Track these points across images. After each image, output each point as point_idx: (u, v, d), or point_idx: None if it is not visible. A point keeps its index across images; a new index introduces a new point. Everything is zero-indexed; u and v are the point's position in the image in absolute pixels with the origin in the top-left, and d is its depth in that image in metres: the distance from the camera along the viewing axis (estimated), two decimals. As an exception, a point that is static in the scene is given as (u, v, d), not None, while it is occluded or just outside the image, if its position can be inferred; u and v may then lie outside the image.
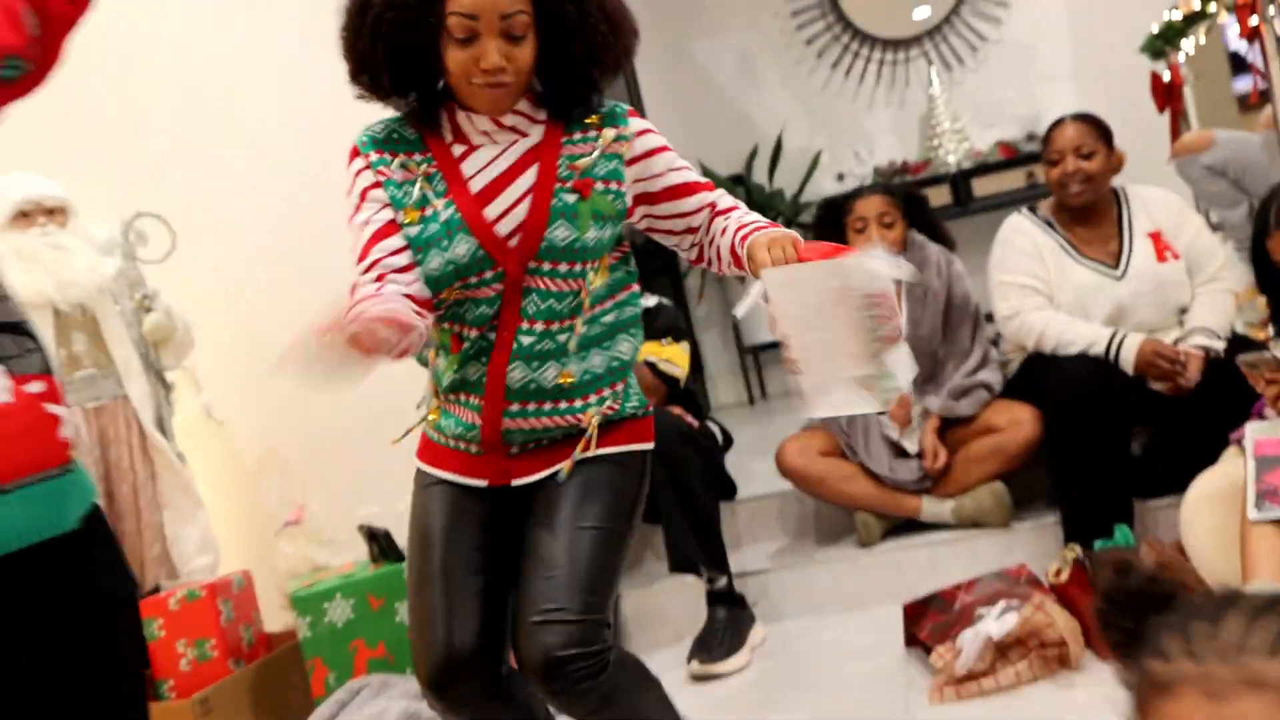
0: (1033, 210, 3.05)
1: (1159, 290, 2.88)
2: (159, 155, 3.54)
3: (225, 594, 2.79)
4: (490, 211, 1.59)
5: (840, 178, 5.70)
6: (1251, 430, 2.17)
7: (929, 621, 2.56)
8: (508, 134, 1.62)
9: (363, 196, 1.62)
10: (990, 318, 3.12)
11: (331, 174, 3.21)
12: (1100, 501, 2.66)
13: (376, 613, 2.75)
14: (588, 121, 1.64)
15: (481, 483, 1.67)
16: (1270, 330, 2.39)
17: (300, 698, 2.82)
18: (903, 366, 1.45)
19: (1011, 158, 5.34)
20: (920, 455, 3.03)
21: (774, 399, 5.69)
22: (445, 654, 1.61)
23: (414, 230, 1.58)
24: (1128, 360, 2.75)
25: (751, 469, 3.52)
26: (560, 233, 1.59)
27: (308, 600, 2.74)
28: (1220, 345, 2.78)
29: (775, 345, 6.02)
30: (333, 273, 3.66)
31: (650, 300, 3.08)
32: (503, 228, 1.59)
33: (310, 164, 3.44)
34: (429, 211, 1.59)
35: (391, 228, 1.59)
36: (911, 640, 2.62)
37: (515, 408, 1.61)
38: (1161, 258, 2.89)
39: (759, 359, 5.75)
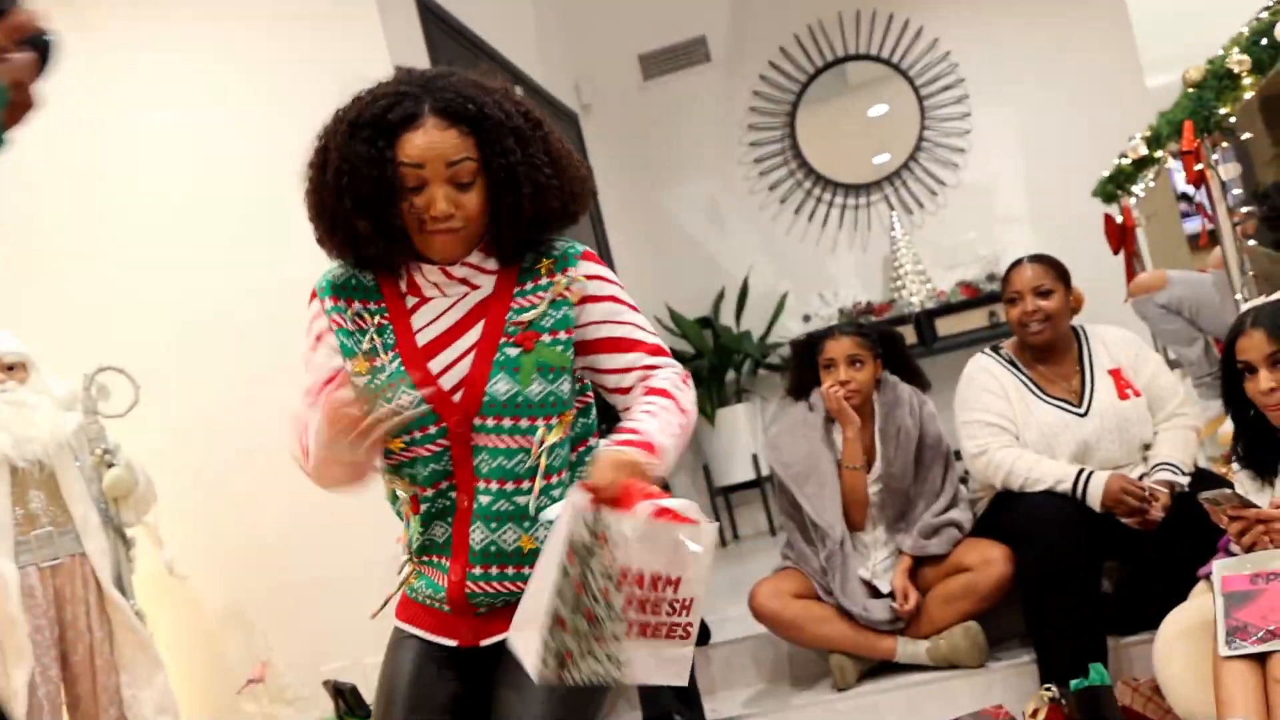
0: (996, 350, 3.10)
1: (1122, 427, 2.92)
2: (121, 308, 3.57)
3: (183, 757, 2.69)
4: (435, 365, 1.58)
5: (806, 319, 5.79)
6: (1218, 567, 2.18)
7: (909, 769, 2.51)
8: (458, 286, 1.61)
9: (318, 338, 1.64)
10: (959, 456, 3.14)
11: (293, 327, 3.23)
12: (1075, 640, 2.64)
13: (340, 773, 2.66)
14: (539, 268, 1.62)
15: (452, 643, 1.62)
16: (1233, 465, 2.41)
17: None
18: (639, 665, 1.36)
19: (974, 297, 5.45)
20: (894, 595, 3.00)
21: (745, 540, 5.65)
22: None
23: (362, 381, 1.58)
24: (1095, 497, 2.76)
25: (725, 612, 3.47)
26: (501, 386, 1.55)
27: (268, 761, 2.65)
28: (1185, 480, 2.81)
29: (746, 486, 5.96)
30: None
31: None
32: (446, 381, 1.57)
33: (272, 313, 3.47)
34: (377, 363, 1.59)
35: (339, 376, 1.59)
36: (892, 789, 2.56)
37: (478, 570, 1.57)
38: (1123, 395, 2.93)
39: (729, 500, 5.73)
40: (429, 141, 1.51)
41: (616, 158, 5.86)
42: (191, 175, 3.53)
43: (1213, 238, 3.28)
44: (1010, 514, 2.88)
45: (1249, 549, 2.14)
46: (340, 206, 1.56)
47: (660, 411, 1.54)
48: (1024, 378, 3.01)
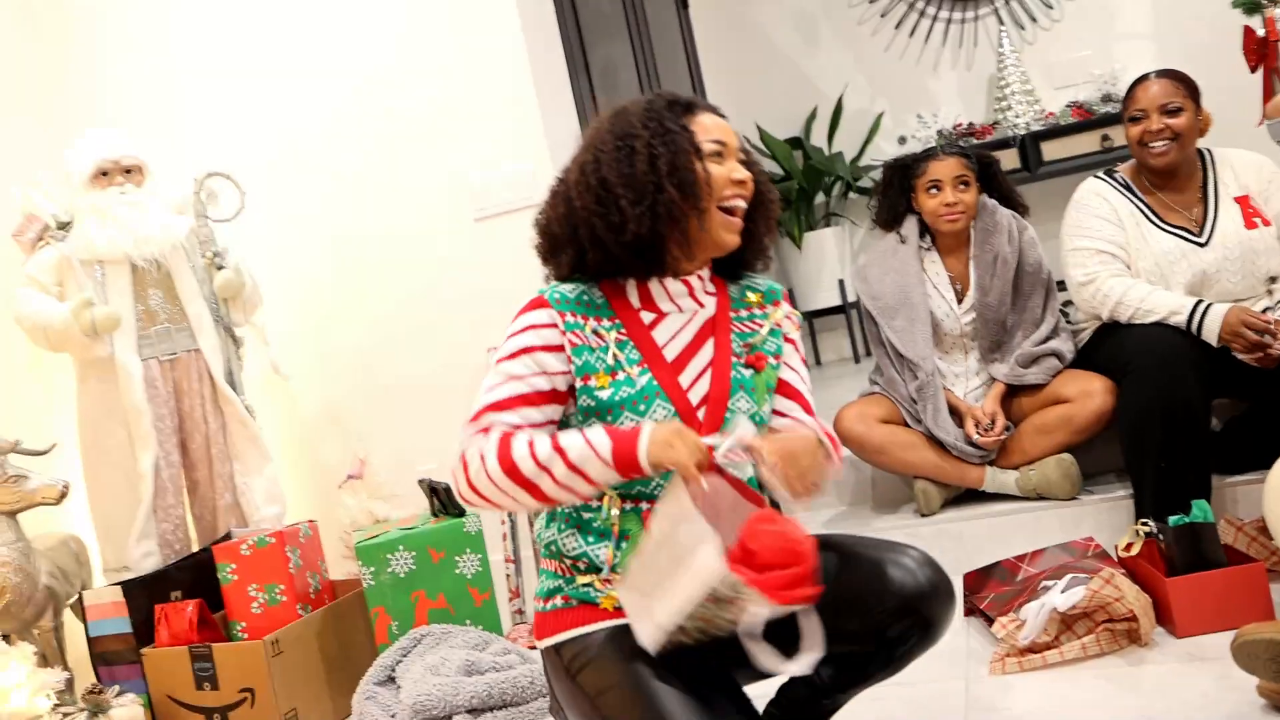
0: (1110, 173, 2.95)
1: (1246, 258, 2.76)
2: (229, 115, 3.59)
3: (293, 542, 2.82)
4: (683, 380, 1.62)
5: (902, 140, 5.60)
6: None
7: (990, 592, 2.53)
8: (692, 302, 1.68)
9: (527, 351, 1.59)
10: (1062, 286, 3.04)
11: (398, 140, 3.21)
12: (1178, 476, 2.54)
13: (436, 565, 2.76)
14: (748, 299, 1.73)
15: None
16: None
17: (364, 643, 2.87)
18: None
19: (1085, 120, 5.19)
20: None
21: (829, 365, 5.64)
22: None
23: (604, 393, 1.58)
24: (1212, 330, 2.61)
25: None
26: (742, 404, 1.63)
27: (372, 551, 2.77)
28: (1314, 316, 2.68)
29: (832, 311, 5.89)
30: (391, 233, 3.67)
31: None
32: (692, 397, 1.62)
33: (379, 126, 3.45)
34: (620, 376, 1.59)
35: (540, 398, 1.58)
36: (971, 610, 2.58)
37: None
38: (1250, 224, 2.77)
39: (813, 325, 5.69)
40: (719, 123, 1.65)
41: (709, -32, 5.60)
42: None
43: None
44: (1116, 345, 2.76)
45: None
46: (648, 179, 1.58)
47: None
48: (1140, 204, 2.86)
